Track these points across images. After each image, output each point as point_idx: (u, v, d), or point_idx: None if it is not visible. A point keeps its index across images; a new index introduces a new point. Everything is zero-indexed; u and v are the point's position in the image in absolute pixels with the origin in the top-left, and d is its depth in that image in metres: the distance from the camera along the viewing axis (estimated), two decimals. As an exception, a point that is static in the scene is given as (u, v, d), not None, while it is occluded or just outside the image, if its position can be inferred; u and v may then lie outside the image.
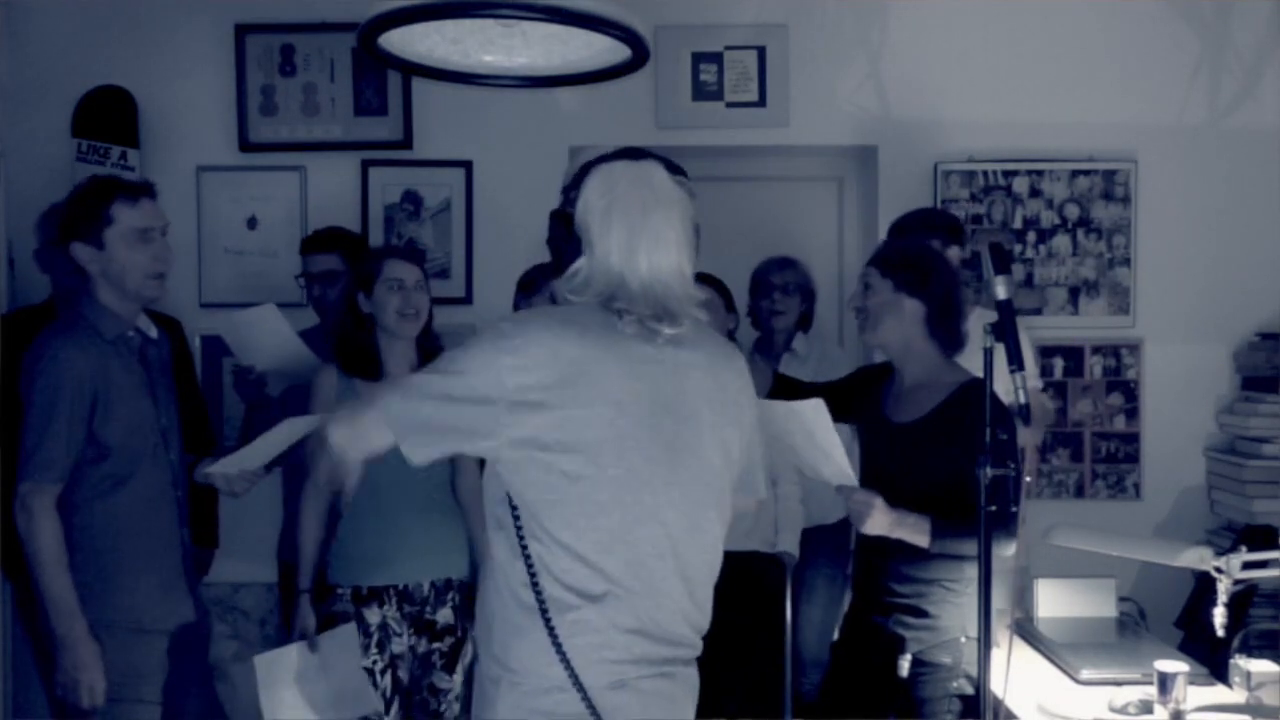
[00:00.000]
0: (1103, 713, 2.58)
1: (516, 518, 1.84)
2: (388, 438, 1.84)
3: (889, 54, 4.22)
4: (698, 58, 4.22)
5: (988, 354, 2.25)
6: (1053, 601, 3.19)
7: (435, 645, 3.00)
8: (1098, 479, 4.25)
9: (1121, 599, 3.29)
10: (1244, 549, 2.60)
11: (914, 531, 2.48)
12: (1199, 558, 2.64)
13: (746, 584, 3.33)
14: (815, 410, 2.34)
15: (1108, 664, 2.80)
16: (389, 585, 2.95)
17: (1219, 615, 2.58)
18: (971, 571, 2.35)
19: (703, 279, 3.02)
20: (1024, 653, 2.97)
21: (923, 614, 2.56)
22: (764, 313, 3.90)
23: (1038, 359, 4.01)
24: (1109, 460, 4.24)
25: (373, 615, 2.93)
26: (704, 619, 1.94)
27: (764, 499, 3.59)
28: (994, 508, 2.20)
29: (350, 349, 3.00)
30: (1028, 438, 2.92)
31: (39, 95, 4.08)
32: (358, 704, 2.91)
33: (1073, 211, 4.24)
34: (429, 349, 3.00)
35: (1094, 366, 4.25)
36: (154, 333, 2.77)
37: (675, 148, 4.12)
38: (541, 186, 3.59)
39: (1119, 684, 2.68)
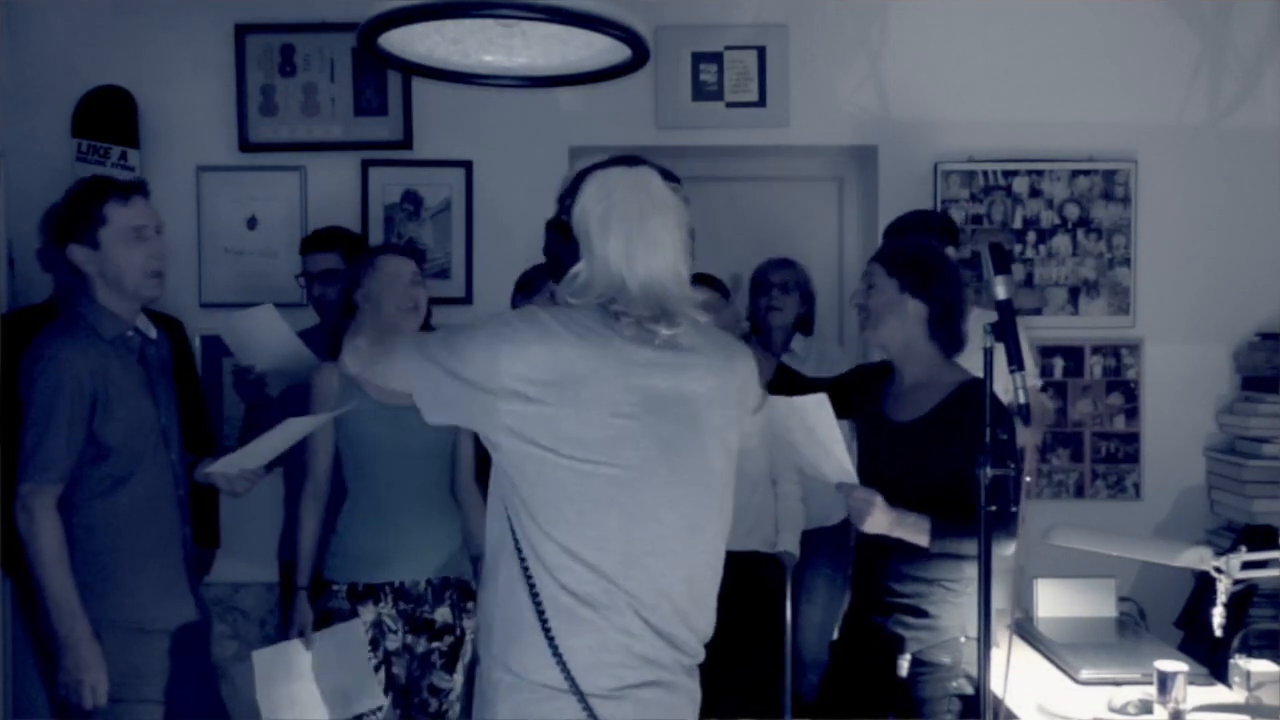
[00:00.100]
0: (1102, 713, 2.58)
1: (514, 515, 1.85)
2: (404, 386, 1.92)
3: (889, 54, 4.23)
4: (698, 58, 4.22)
5: (988, 354, 2.25)
6: (1052, 601, 3.19)
7: (434, 645, 3.00)
8: (1098, 479, 4.25)
9: (1121, 599, 3.29)
10: (1244, 549, 2.60)
11: (914, 531, 2.48)
12: (1199, 558, 2.64)
13: (746, 584, 3.33)
14: (818, 406, 2.33)
15: (1107, 664, 2.80)
16: (385, 582, 2.95)
17: (1218, 615, 2.58)
18: (971, 571, 2.35)
19: (700, 279, 3.04)
20: (1024, 653, 2.98)
21: (922, 614, 2.55)
22: (762, 310, 3.91)
23: (1037, 359, 4.02)
24: (1109, 460, 4.24)
25: (368, 612, 2.94)
26: (706, 622, 1.94)
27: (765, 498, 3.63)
28: (994, 508, 2.20)
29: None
30: (1028, 438, 2.92)
31: (39, 95, 4.08)
32: (360, 700, 2.91)
33: (1073, 211, 4.24)
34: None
35: (1094, 366, 4.25)
36: (153, 333, 2.77)
37: (675, 148, 4.17)
38: (541, 187, 3.54)
39: (1119, 684, 2.68)
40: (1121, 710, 2.57)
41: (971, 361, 2.50)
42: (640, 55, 2.54)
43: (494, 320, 1.90)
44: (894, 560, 2.56)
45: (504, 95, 3.96)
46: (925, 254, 2.71)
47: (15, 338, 3.11)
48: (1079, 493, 4.24)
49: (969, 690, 2.49)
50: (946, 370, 2.64)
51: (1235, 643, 2.81)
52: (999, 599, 2.29)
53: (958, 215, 4.18)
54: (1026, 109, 4.20)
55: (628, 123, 4.18)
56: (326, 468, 3.01)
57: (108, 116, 4.05)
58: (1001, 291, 2.25)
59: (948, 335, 2.64)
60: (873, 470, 2.62)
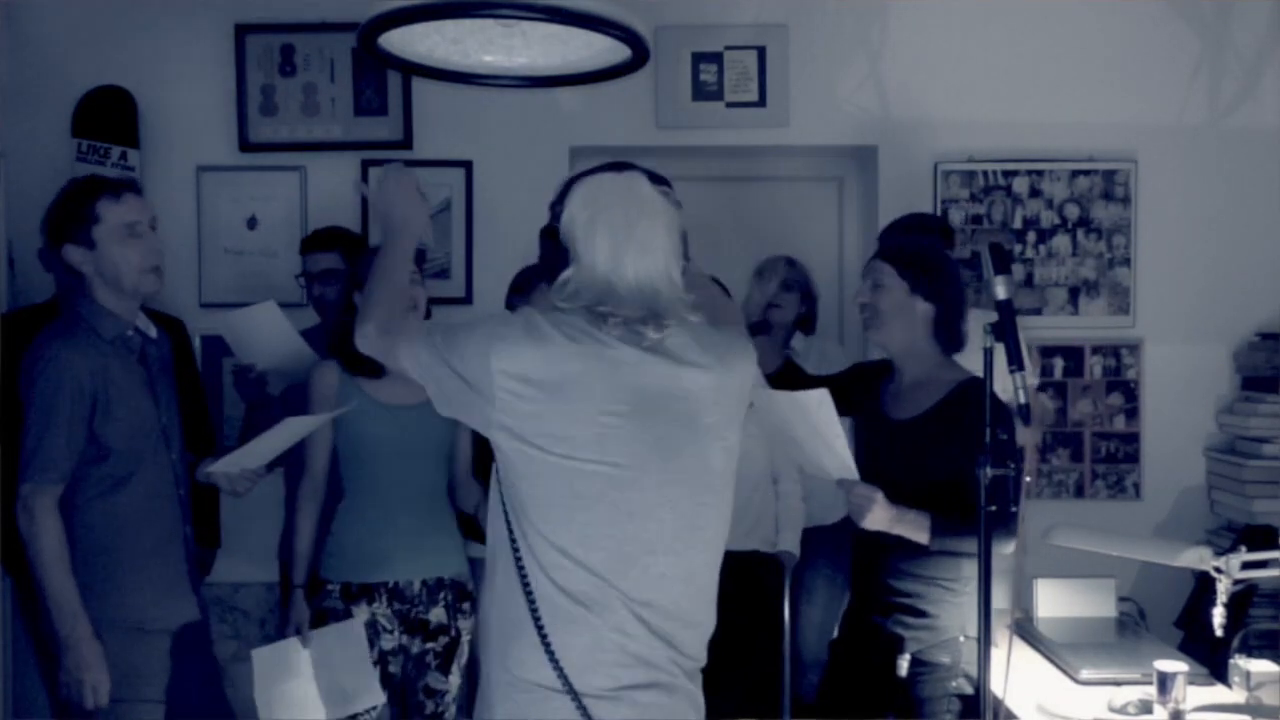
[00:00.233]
0: (1102, 713, 2.58)
1: (511, 513, 1.86)
2: (414, 377, 1.96)
3: (889, 54, 4.22)
4: (698, 58, 4.21)
5: (988, 354, 2.25)
6: (1052, 601, 3.19)
7: (429, 645, 3.00)
8: (1098, 479, 4.25)
9: (1121, 599, 3.29)
10: (1244, 549, 2.60)
11: (914, 528, 2.47)
12: (1199, 558, 2.64)
13: (746, 583, 3.34)
14: (820, 401, 2.32)
15: (1107, 664, 2.80)
16: (380, 583, 2.95)
17: (1218, 615, 2.58)
18: (971, 571, 2.35)
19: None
20: (1024, 652, 2.98)
21: (922, 613, 2.55)
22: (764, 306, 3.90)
23: (1037, 359, 4.02)
24: (1109, 460, 4.24)
25: (362, 612, 2.93)
26: (705, 622, 1.94)
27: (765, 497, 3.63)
28: (994, 507, 2.20)
29: (351, 347, 2.99)
30: (1028, 437, 2.92)
31: (39, 95, 4.08)
32: (359, 698, 2.91)
33: (1073, 211, 4.24)
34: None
35: (1094, 366, 4.24)
36: (154, 332, 2.77)
37: (675, 148, 4.17)
38: (541, 187, 3.54)
39: (1119, 684, 2.69)
40: (1121, 710, 2.57)
41: (971, 361, 2.50)
42: (640, 55, 2.53)
43: (492, 320, 1.94)
44: (893, 558, 2.56)
45: (504, 95, 3.96)
46: (932, 254, 2.71)
47: (15, 338, 3.11)
48: (1079, 493, 4.24)
49: (969, 690, 2.49)
50: (946, 369, 2.64)
51: (1235, 643, 2.81)
52: (999, 599, 2.30)
53: (958, 215, 4.18)
54: (1026, 109, 4.20)
55: (628, 123, 4.18)
56: (324, 467, 3.01)
57: (108, 116, 4.05)
58: (1001, 291, 2.25)
59: (949, 335, 2.64)
60: (872, 468, 2.61)
